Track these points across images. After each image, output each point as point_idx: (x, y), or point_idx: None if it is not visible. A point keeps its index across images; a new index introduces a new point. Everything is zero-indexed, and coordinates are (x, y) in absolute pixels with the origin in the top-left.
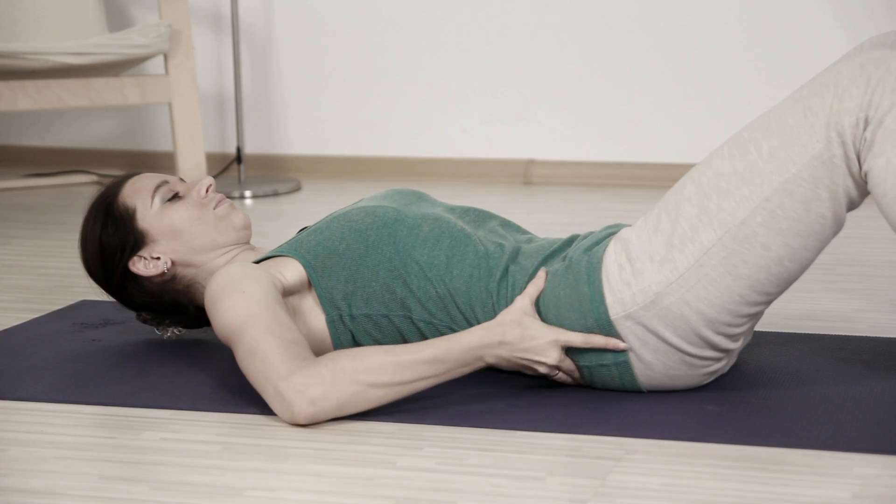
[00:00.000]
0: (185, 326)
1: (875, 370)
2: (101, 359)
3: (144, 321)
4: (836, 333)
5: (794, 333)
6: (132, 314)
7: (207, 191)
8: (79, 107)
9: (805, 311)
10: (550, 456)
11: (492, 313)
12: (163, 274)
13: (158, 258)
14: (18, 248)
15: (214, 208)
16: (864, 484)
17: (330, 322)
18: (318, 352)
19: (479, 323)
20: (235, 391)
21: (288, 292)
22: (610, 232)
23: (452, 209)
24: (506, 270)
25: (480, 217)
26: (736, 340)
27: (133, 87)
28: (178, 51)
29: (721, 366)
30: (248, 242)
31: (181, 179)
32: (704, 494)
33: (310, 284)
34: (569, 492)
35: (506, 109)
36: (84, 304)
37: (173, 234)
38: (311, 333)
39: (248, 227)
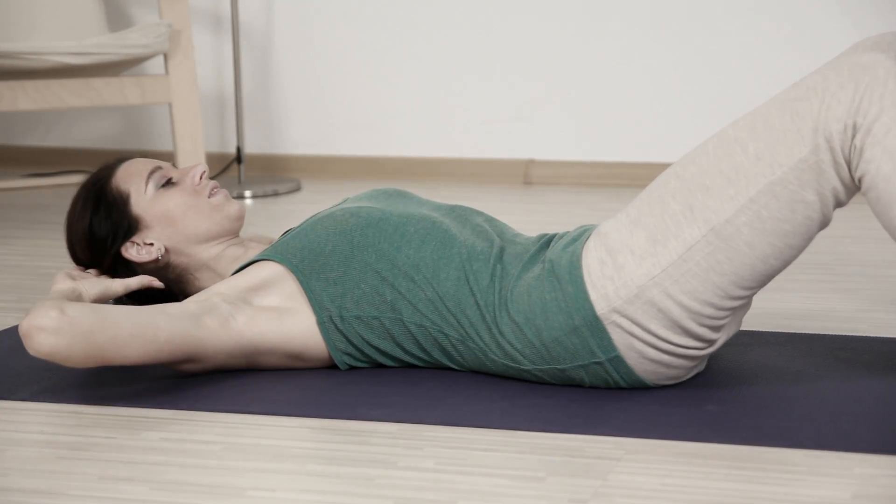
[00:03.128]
0: None
1: (875, 370)
2: None
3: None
4: (837, 333)
5: (794, 333)
6: None
7: (201, 178)
8: (79, 107)
9: (805, 311)
10: (550, 456)
11: (480, 316)
12: (156, 261)
13: (152, 244)
14: (18, 248)
15: (209, 196)
16: (864, 484)
17: (320, 324)
18: (314, 354)
19: (470, 325)
20: (235, 391)
21: (267, 300)
22: (585, 229)
23: (438, 207)
24: (492, 275)
25: (466, 214)
26: (718, 331)
27: (133, 87)
28: (178, 51)
29: (713, 350)
30: (237, 234)
31: (174, 165)
32: (704, 494)
33: (299, 287)
34: (569, 492)
35: (506, 109)
36: None
37: (168, 221)
38: (303, 336)
39: (241, 217)
